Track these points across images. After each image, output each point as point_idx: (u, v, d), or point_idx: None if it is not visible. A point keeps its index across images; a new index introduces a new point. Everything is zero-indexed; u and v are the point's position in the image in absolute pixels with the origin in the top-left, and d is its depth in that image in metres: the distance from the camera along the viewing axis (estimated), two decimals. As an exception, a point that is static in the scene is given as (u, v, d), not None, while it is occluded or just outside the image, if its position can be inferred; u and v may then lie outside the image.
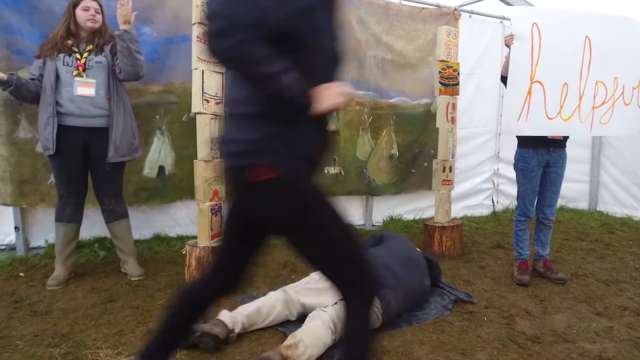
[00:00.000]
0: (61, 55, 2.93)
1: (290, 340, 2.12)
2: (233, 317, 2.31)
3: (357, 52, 4.51)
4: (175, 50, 3.81)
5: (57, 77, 2.91)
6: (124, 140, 3.07)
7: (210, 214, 3.00)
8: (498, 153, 5.52)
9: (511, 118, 3.17)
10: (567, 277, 3.44)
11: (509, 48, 3.19)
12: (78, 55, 2.95)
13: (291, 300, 2.52)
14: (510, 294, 3.17)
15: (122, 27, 2.90)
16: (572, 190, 5.70)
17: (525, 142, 3.42)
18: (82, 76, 2.93)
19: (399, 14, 4.68)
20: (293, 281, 3.32)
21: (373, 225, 4.94)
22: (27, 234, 3.68)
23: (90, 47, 2.99)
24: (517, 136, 3.50)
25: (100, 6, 3.05)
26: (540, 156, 3.38)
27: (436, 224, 3.98)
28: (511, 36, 3.14)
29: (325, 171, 4.52)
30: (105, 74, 3.01)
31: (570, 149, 3.50)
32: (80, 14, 2.97)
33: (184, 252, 3.05)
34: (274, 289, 3.08)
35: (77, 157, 3.02)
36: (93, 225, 3.73)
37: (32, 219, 3.68)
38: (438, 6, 4.86)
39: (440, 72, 3.96)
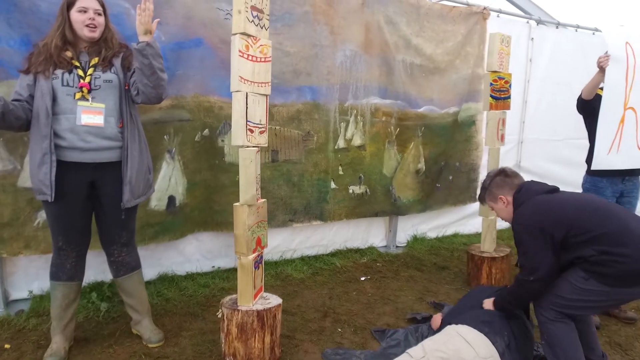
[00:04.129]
0: (58, 72, 2.24)
1: None
2: None
3: (385, 57, 3.99)
4: (186, 57, 3.15)
5: (55, 100, 2.23)
6: (140, 177, 2.44)
7: (253, 269, 2.44)
8: (519, 162, 5.19)
9: (602, 150, 2.77)
10: (637, 316, 3.14)
11: (602, 69, 2.77)
12: (81, 72, 2.27)
13: None
14: (586, 343, 2.82)
15: (143, 38, 2.24)
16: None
17: (599, 170, 3.04)
18: (88, 100, 2.26)
19: (429, 13, 4.18)
20: (340, 335, 2.85)
21: (397, 247, 4.50)
22: (6, 284, 2.98)
23: (95, 60, 2.31)
24: (587, 162, 3.12)
25: (103, 6, 2.37)
26: (614, 186, 3.03)
27: (484, 254, 3.57)
28: (607, 56, 2.72)
29: (350, 191, 4.01)
30: (117, 95, 2.34)
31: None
32: (75, 17, 2.27)
33: (219, 316, 2.48)
34: (327, 354, 2.60)
35: (81, 200, 2.37)
36: (88, 269, 3.04)
37: (12, 267, 2.98)
38: (468, 4, 4.40)
39: (491, 84, 3.51)
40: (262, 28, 2.36)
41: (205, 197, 3.42)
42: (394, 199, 4.27)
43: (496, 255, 3.54)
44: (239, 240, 2.40)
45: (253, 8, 2.27)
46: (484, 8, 4.45)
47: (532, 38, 4.92)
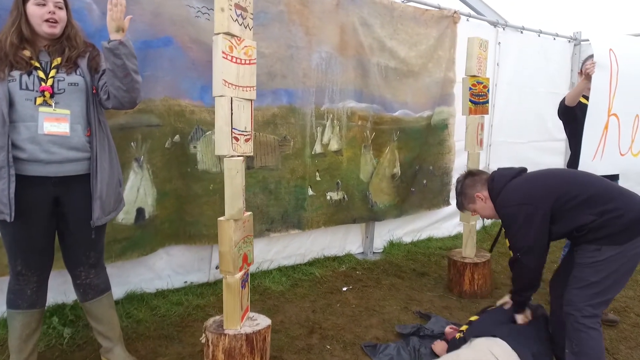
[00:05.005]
0: (15, 74, 1.97)
1: None
2: None
3: (360, 59, 3.89)
4: (154, 57, 2.92)
5: (12, 106, 1.96)
6: (111, 192, 2.20)
7: (240, 288, 2.26)
8: (488, 165, 5.24)
9: (587, 156, 2.77)
10: (618, 318, 3.19)
11: (587, 76, 2.76)
12: (42, 74, 2.01)
13: None
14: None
15: (115, 36, 2.01)
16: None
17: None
18: (50, 105, 2.00)
19: (403, 15, 4.12)
20: (330, 353, 2.71)
21: (374, 253, 4.41)
22: (-49, 313, 2.63)
23: (58, 60, 2.06)
24: (568, 167, 3.14)
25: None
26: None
27: (466, 260, 3.53)
28: (593, 63, 2.71)
29: (328, 197, 3.88)
30: (83, 100, 2.10)
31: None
32: (32, 11, 2.01)
33: (202, 341, 2.28)
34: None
35: (44, 219, 2.10)
36: (47, 291, 2.77)
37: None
38: (439, 8, 4.37)
39: (470, 88, 3.47)
40: (246, 27, 2.18)
41: (177, 208, 3.18)
42: (371, 205, 4.17)
43: (478, 261, 3.51)
44: (224, 258, 2.21)
45: (237, 6, 2.09)
46: (455, 12, 4.44)
47: (499, 42, 4.98)
